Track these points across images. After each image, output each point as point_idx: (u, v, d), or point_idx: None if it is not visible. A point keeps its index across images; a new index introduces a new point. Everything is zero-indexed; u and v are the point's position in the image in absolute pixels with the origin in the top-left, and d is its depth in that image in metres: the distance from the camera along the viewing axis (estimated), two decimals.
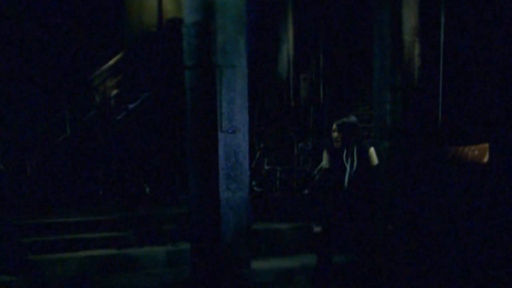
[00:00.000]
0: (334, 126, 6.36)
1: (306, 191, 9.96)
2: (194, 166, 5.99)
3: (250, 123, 6.16)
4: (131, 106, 11.77)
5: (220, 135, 5.85)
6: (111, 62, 11.95)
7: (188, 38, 5.94)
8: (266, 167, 10.92)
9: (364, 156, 6.28)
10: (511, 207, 7.17)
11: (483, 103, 8.10)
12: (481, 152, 8.33)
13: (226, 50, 5.83)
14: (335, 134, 6.34)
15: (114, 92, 12.08)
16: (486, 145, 11.05)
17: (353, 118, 6.36)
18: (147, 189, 11.54)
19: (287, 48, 11.63)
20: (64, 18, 12.33)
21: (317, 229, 7.98)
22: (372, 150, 6.33)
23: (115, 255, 7.62)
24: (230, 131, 5.89)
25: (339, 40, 11.17)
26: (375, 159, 6.31)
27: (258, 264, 7.57)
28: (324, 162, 6.47)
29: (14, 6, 11.86)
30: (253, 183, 11.32)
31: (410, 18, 7.59)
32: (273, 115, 11.87)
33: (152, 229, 8.28)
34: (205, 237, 5.97)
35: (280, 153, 11.15)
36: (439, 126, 8.52)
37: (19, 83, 11.89)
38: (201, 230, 5.99)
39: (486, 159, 10.55)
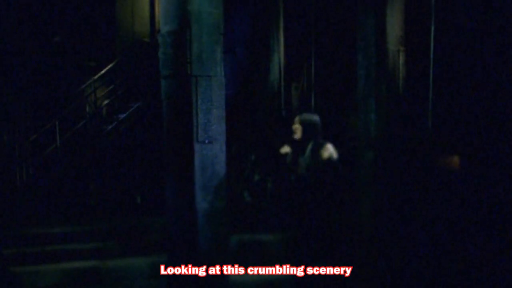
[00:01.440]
0: (297, 118, 6.47)
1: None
2: (170, 176, 5.94)
3: (244, 134, 6.17)
4: (121, 116, 11.72)
5: (196, 146, 5.80)
6: (102, 72, 11.91)
7: (163, 47, 5.90)
8: (257, 177, 10.85)
9: (318, 152, 6.30)
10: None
11: (474, 111, 8.01)
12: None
13: (202, 59, 5.78)
14: (295, 126, 6.44)
15: (105, 102, 12.05)
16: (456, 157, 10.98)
17: (315, 117, 6.47)
18: (138, 199, 11.50)
19: (279, 58, 11.57)
20: (55, 27, 12.30)
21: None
22: (328, 146, 6.31)
23: (97, 267, 7.54)
24: (206, 141, 5.82)
25: (331, 49, 11.10)
26: (327, 154, 6.29)
27: (244, 277, 7.52)
28: (282, 150, 6.49)
29: (5, 14, 11.85)
30: (245, 193, 11.27)
31: (394, 27, 7.52)
32: (265, 125, 11.80)
33: (136, 240, 8.21)
34: (181, 248, 5.90)
35: (271, 163, 11.07)
36: (429, 135, 8.44)
37: (7, 93, 11.85)
38: (177, 241, 5.93)
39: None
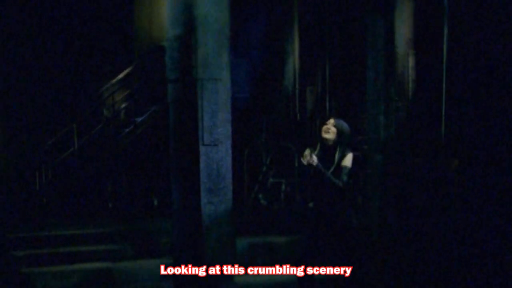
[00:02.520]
0: (332, 120, 6.38)
1: (311, 204, 9.91)
2: (176, 179, 5.99)
3: (258, 137, 6.16)
4: (139, 119, 11.83)
5: (202, 149, 5.85)
6: (120, 75, 12.02)
7: (170, 51, 5.95)
8: (271, 180, 10.91)
9: (341, 160, 6.30)
10: None
11: (488, 113, 7.99)
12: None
13: (207, 63, 5.82)
14: (328, 126, 6.33)
15: (123, 105, 12.16)
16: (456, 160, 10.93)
17: (347, 126, 6.41)
18: (156, 202, 11.58)
19: (293, 61, 11.62)
20: (74, 32, 12.45)
21: None
22: (349, 156, 6.29)
23: (110, 268, 7.64)
24: (212, 144, 5.88)
25: (345, 52, 11.13)
26: (346, 161, 6.28)
27: (251, 278, 7.56)
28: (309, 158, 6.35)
29: (26, 19, 12.03)
30: (260, 196, 11.32)
31: (403, 31, 7.54)
32: (280, 128, 11.86)
33: (150, 242, 8.29)
34: (187, 251, 5.95)
35: (285, 166, 11.11)
36: (443, 138, 8.42)
37: (28, 97, 12.03)
38: (183, 244, 5.98)
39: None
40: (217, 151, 5.92)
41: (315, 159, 6.18)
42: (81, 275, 7.45)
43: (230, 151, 6.03)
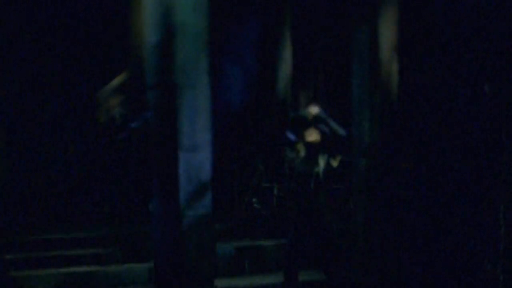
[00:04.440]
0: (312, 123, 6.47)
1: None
2: (157, 184, 6.07)
3: (253, 142, 6.22)
4: (133, 125, 11.89)
5: (181, 154, 5.92)
6: (116, 81, 12.09)
7: (149, 57, 6.04)
8: (264, 184, 10.97)
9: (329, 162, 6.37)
10: None
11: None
12: None
13: (186, 69, 5.90)
14: (311, 131, 6.40)
15: (118, 110, 12.23)
16: None
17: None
18: (150, 207, 11.65)
19: (286, 67, 11.66)
20: (68, 36, 12.53)
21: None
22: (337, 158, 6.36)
23: (97, 272, 7.70)
24: (191, 150, 5.94)
25: (338, 58, 11.18)
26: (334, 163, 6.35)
27: (238, 281, 7.62)
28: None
29: (17, 24, 12.11)
30: (254, 200, 11.38)
31: (388, 37, 7.58)
32: (273, 133, 11.90)
33: (138, 246, 8.35)
34: (167, 256, 6.02)
35: (277, 171, 11.17)
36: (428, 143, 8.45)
37: (22, 100, 12.11)
38: (163, 249, 6.05)
39: None
40: (196, 156, 5.99)
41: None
42: (68, 278, 7.51)
43: (210, 157, 6.10)
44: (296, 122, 6.61)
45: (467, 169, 7.81)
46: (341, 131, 6.52)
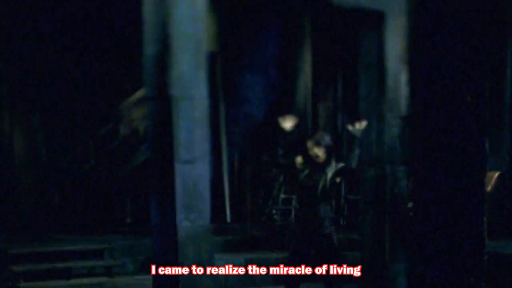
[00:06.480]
0: (312, 142, 6.58)
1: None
2: (154, 196, 6.04)
3: (272, 155, 6.25)
4: None
5: (177, 166, 5.88)
6: (138, 94, 12.18)
7: (147, 69, 6.03)
8: (282, 196, 10.95)
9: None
10: None
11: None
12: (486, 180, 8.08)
13: (183, 81, 5.87)
14: (316, 150, 6.54)
15: (141, 123, 12.30)
16: (495, 174, 10.71)
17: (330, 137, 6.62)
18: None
19: (305, 78, 11.62)
20: (91, 49, 12.68)
21: None
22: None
23: (105, 283, 7.73)
24: (188, 161, 5.91)
25: (356, 69, 11.08)
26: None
27: None
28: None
29: (42, 36, 12.30)
30: (274, 211, 11.35)
31: (395, 47, 7.47)
32: (292, 145, 11.84)
33: (146, 258, 8.36)
34: (165, 267, 5.98)
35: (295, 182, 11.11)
36: None
37: (47, 114, 12.27)
38: (162, 261, 6.02)
39: (489, 188, 10.20)
40: (193, 168, 5.95)
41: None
42: None
43: (208, 168, 6.05)
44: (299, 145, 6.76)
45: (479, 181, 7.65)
46: (354, 163, 6.65)
